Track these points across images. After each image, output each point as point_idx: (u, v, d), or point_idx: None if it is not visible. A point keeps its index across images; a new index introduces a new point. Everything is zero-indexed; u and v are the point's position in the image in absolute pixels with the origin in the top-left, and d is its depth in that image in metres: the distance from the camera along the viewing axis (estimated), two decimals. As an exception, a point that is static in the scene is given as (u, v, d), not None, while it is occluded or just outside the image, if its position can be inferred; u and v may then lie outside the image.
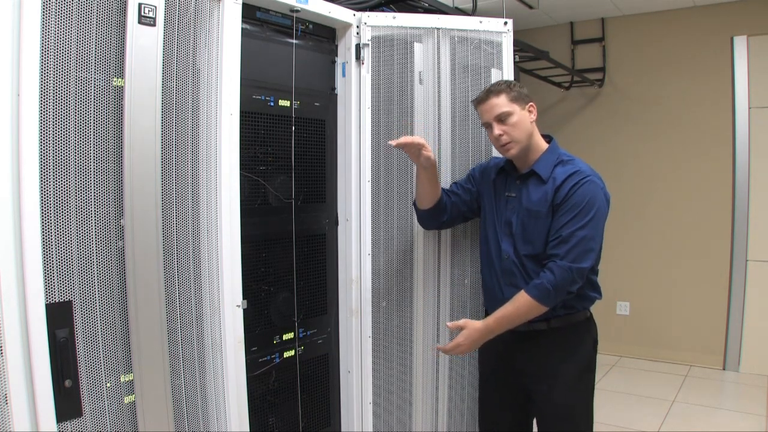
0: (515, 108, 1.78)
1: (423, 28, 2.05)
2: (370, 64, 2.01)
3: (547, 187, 1.77)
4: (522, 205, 1.81)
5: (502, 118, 1.77)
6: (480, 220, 2.00)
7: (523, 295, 1.73)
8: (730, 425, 3.25)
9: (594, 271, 1.81)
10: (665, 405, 3.55)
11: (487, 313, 1.91)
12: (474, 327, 1.77)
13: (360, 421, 2.06)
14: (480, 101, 1.82)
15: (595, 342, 1.89)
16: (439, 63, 2.08)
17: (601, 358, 4.72)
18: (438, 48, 2.07)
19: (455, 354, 1.85)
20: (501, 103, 1.77)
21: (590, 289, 1.83)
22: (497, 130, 1.78)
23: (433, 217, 1.94)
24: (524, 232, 1.80)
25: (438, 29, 2.06)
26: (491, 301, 1.91)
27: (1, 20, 1.13)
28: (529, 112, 1.82)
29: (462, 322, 1.79)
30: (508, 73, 2.15)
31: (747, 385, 3.92)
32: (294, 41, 1.88)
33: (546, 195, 1.77)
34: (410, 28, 2.04)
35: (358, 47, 2.00)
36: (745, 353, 4.12)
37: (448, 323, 1.84)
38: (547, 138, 1.89)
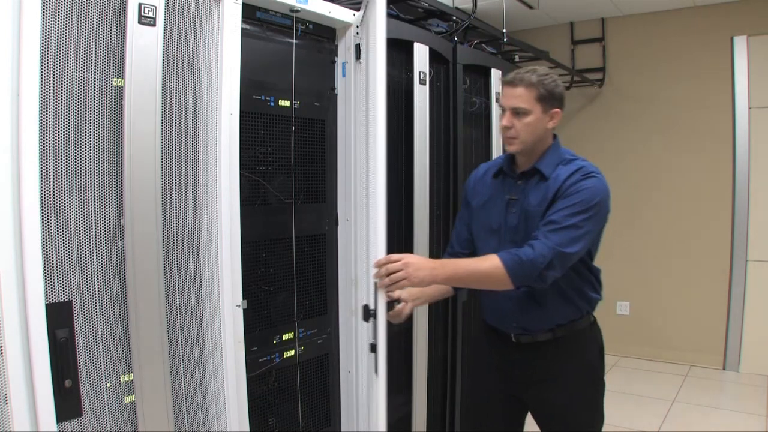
0: (536, 109, 1.65)
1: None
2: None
3: (548, 184, 1.67)
4: (523, 208, 1.71)
5: (518, 112, 1.66)
6: (474, 228, 1.85)
7: (493, 257, 1.57)
8: (730, 425, 3.25)
9: (592, 270, 1.76)
10: (665, 405, 3.55)
11: (486, 325, 1.84)
12: (419, 257, 1.58)
13: (360, 420, 2.06)
14: (509, 83, 1.68)
15: (601, 349, 1.80)
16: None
17: (601, 358, 4.65)
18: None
19: (401, 277, 1.51)
20: (525, 97, 1.64)
21: (591, 290, 1.77)
22: (507, 120, 1.67)
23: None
24: (526, 237, 1.69)
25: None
26: (493, 315, 1.80)
27: (1, 20, 1.13)
28: (551, 118, 1.68)
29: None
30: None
31: (747, 385, 3.92)
32: (294, 41, 1.88)
33: (546, 194, 1.67)
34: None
35: (358, 47, 1.99)
36: (745, 353, 4.12)
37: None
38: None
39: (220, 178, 1.55)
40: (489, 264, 1.56)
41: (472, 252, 1.83)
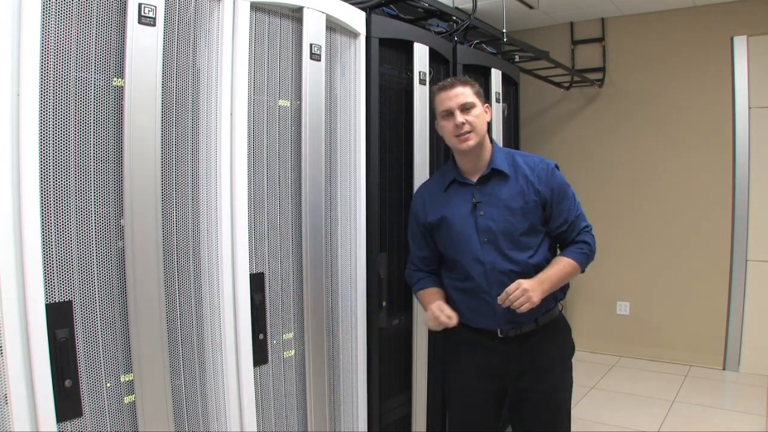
0: (478, 102, 1.80)
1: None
2: (365, 63, 2.01)
3: (516, 180, 1.79)
4: (495, 206, 1.78)
5: (467, 107, 1.77)
6: (442, 246, 1.89)
7: (566, 260, 1.79)
8: (730, 425, 3.25)
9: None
10: (665, 405, 3.55)
11: (467, 328, 1.84)
12: (528, 280, 1.71)
13: (357, 420, 2.06)
14: (443, 88, 1.81)
15: (570, 328, 1.95)
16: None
17: (601, 358, 4.72)
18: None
19: (526, 301, 1.67)
20: (466, 93, 1.78)
21: None
22: (460, 117, 1.76)
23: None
24: (507, 231, 1.76)
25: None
26: (479, 316, 1.82)
27: (1, 20, 1.13)
28: (485, 111, 1.83)
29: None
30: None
31: (747, 385, 3.92)
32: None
33: (522, 187, 1.78)
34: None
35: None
36: (745, 353, 4.12)
37: (499, 298, 1.71)
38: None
39: (220, 179, 1.56)
40: (570, 270, 1.80)
41: (435, 269, 1.94)
